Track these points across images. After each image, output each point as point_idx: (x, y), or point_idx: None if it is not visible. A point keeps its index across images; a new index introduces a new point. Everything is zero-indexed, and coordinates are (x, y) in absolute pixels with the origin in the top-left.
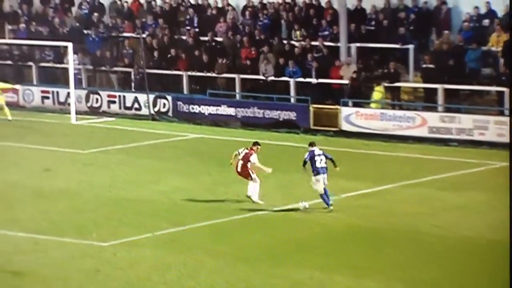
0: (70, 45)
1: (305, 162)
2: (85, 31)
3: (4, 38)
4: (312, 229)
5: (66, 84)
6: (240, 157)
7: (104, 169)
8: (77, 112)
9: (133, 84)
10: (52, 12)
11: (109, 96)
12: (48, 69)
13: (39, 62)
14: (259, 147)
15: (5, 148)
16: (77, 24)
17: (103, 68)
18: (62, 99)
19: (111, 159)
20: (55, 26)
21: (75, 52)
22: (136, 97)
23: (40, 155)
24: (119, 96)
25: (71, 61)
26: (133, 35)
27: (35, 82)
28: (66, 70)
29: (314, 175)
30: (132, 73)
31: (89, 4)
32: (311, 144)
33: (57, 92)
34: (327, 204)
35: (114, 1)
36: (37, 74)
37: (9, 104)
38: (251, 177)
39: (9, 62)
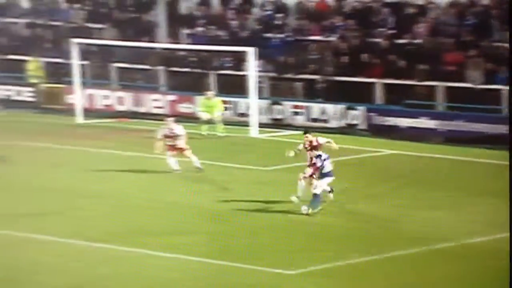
0: (251, 50)
1: (322, 168)
2: (267, 35)
3: (179, 43)
4: None
5: (246, 93)
6: None
7: (284, 188)
8: (259, 125)
9: (320, 94)
10: (231, 14)
11: (293, 106)
12: (227, 77)
13: (217, 70)
14: (308, 135)
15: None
16: (259, 27)
17: (287, 75)
18: (242, 110)
19: (294, 177)
20: (234, 30)
21: (256, 58)
22: (323, 108)
23: (216, 172)
24: (305, 106)
25: (252, 68)
26: (321, 38)
27: (213, 92)
28: (246, 78)
29: (321, 178)
30: (319, 81)
31: (272, 5)
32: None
33: (237, 103)
34: (312, 207)
35: (299, 1)
36: (215, 83)
37: (185, 116)
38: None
39: (185, 69)
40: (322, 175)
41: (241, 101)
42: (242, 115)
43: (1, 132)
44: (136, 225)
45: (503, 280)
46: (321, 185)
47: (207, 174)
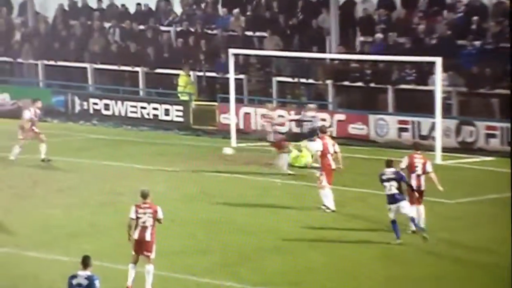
0: (438, 60)
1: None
2: (459, 42)
3: (353, 52)
4: None
5: (430, 112)
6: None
7: (473, 223)
8: (444, 149)
9: None
10: (418, 18)
11: (487, 128)
12: (407, 92)
13: (396, 84)
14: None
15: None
16: (449, 32)
17: (481, 90)
18: (424, 131)
19: (486, 211)
20: (419, 36)
21: (444, 70)
22: None
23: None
24: (501, 128)
25: (438, 82)
26: None
27: (390, 110)
28: (430, 94)
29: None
30: None
31: (466, 6)
32: (387, 164)
33: (418, 123)
34: (396, 235)
35: (500, 1)
36: (393, 99)
37: (356, 138)
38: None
39: (359, 83)
40: (387, 199)
41: (423, 121)
42: (424, 137)
43: (148, 156)
44: (300, 268)
45: None
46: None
47: (376, 207)
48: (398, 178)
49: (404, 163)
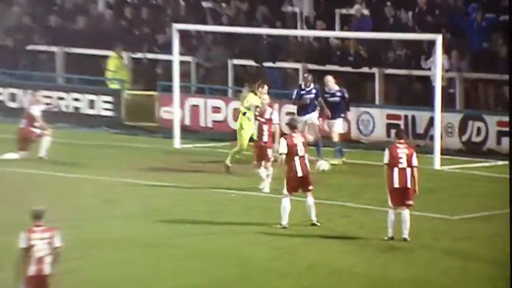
0: (439, 37)
1: None
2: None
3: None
4: None
5: (426, 104)
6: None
7: (481, 241)
8: (444, 151)
9: None
10: None
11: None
12: (397, 79)
13: (386, 68)
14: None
15: None
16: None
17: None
18: (419, 129)
19: (495, 229)
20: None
21: (445, 51)
22: None
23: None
24: None
25: (439, 65)
26: None
27: (377, 102)
28: (426, 81)
29: None
30: None
31: None
32: None
33: (413, 117)
34: None
35: None
36: (380, 89)
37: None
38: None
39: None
40: None
41: (418, 115)
42: (420, 136)
43: (69, 161)
44: None
45: None
46: None
47: (361, 222)
48: None
49: (386, 157)
